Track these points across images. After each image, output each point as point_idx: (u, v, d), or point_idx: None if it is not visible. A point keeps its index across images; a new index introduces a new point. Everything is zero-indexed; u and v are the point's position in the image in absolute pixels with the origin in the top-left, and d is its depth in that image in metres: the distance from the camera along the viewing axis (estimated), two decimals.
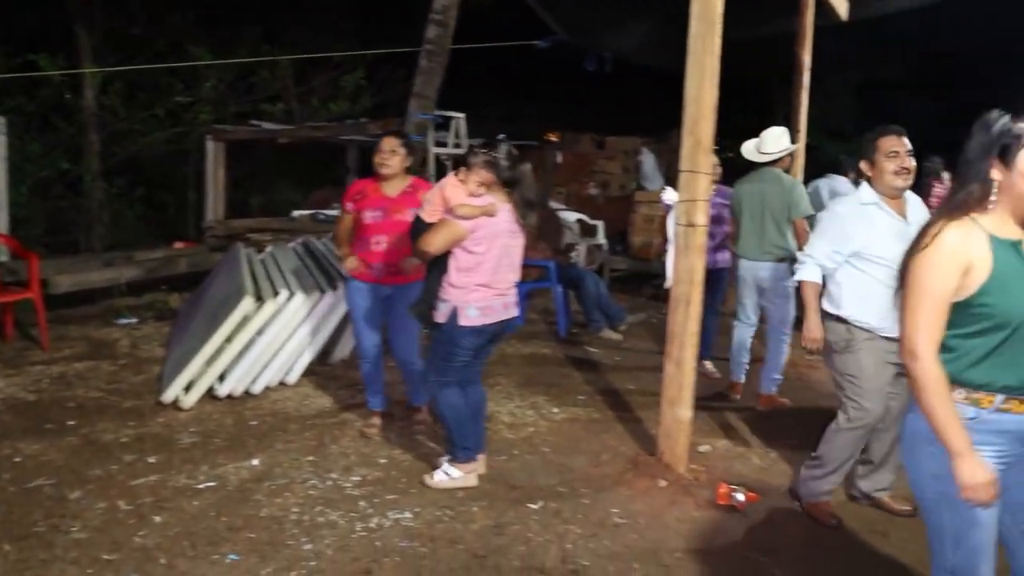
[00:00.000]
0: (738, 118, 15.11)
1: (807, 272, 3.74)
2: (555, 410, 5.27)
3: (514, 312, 4.00)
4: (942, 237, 2.06)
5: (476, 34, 10.46)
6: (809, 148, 6.99)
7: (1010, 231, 2.09)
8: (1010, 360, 2.07)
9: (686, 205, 4.00)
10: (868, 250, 3.57)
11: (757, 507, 3.91)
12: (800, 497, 3.91)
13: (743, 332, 5.68)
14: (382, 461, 4.33)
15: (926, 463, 2.17)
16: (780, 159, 5.60)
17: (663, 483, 4.12)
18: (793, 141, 6.24)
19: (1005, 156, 2.06)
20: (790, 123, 6.57)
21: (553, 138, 13.96)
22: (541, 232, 8.50)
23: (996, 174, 2.07)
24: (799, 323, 4.00)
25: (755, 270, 5.46)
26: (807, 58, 6.67)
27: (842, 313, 3.66)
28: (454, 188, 3.80)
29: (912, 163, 3.57)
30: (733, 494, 3.94)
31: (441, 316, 3.86)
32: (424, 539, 3.49)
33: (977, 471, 2.04)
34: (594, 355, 6.81)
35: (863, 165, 3.67)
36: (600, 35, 8.42)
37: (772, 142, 5.58)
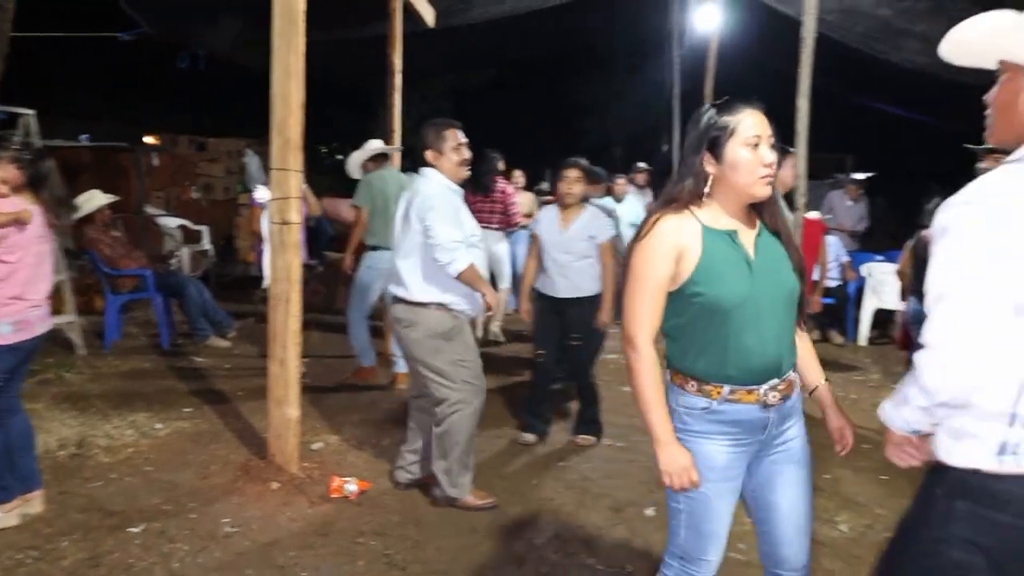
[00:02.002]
0: (345, 119, 15.39)
1: (465, 257, 3.63)
2: (158, 426, 4.95)
3: (48, 324, 3.67)
4: (657, 226, 2.06)
5: (50, 22, 9.46)
6: (413, 148, 7.32)
7: (726, 222, 2.10)
8: (729, 350, 2.05)
9: (279, 203, 3.98)
10: (471, 233, 3.74)
11: (369, 494, 4.04)
12: (454, 500, 3.86)
13: (365, 324, 5.95)
14: None
15: None
16: (391, 156, 6.24)
17: (275, 485, 4.07)
18: (389, 141, 6.59)
19: (714, 149, 2.05)
20: (385, 123, 6.84)
21: (151, 140, 13.10)
22: (137, 239, 7.94)
23: (710, 168, 2.07)
24: None
25: None
26: (398, 61, 6.95)
27: (444, 300, 3.73)
28: None
29: (470, 155, 3.90)
30: (345, 486, 4.02)
31: None
32: None
33: (676, 458, 2.06)
34: (201, 364, 6.51)
35: (430, 155, 3.81)
36: (188, 31, 8.02)
37: (375, 142, 6.17)
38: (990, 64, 1.65)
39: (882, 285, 7.71)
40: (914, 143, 13.98)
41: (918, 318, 3.76)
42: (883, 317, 7.98)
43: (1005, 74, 1.63)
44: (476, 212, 5.01)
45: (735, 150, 2.04)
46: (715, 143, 2.05)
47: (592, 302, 4.79)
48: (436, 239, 3.62)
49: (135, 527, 3.62)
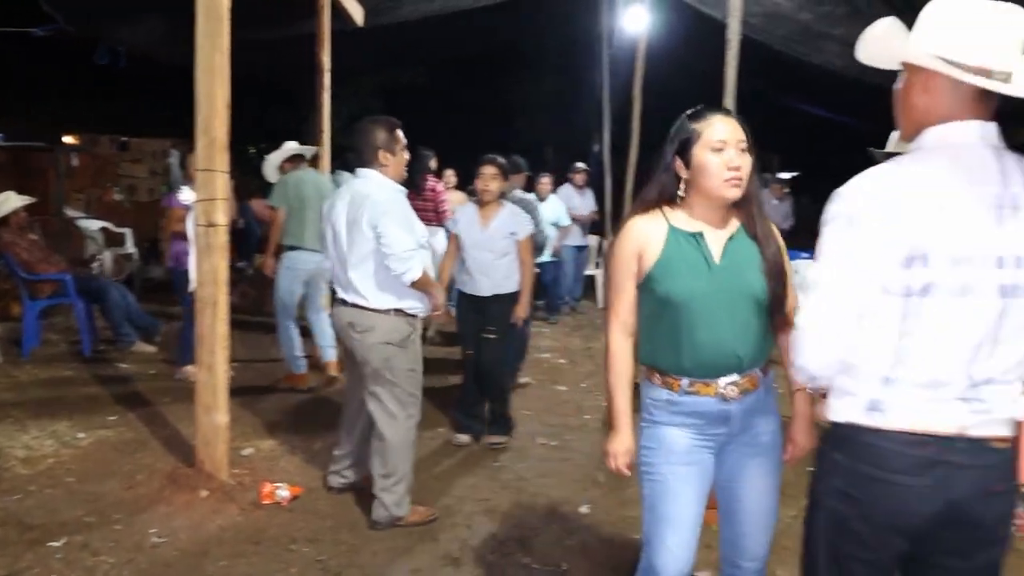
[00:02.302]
0: (273, 118, 15.11)
1: (419, 265, 3.55)
2: (80, 435, 4.79)
3: None
4: (625, 227, 2.22)
5: None
6: (343, 148, 7.22)
7: (695, 224, 2.19)
8: (684, 344, 2.14)
9: (205, 205, 3.89)
10: (421, 235, 3.69)
11: (301, 500, 3.98)
12: (397, 519, 3.70)
13: (294, 329, 5.89)
14: None
15: (637, 434, 2.29)
16: (318, 157, 6.39)
17: (204, 493, 3.98)
18: (318, 141, 6.55)
19: (683, 154, 2.15)
20: (314, 122, 6.76)
21: (70, 139, 12.68)
22: (56, 243, 7.68)
23: (682, 172, 2.17)
24: None
25: (321, 261, 5.62)
26: (326, 60, 6.87)
27: (402, 306, 3.64)
28: None
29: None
30: (276, 491, 3.96)
31: None
32: None
33: (617, 442, 2.27)
34: (126, 371, 6.33)
35: (384, 156, 3.64)
36: (107, 25, 7.73)
37: (291, 143, 6.20)
38: (896, 65, 1.74)
39: (807, 281, 7.92)
40: (837, 144, 14.33)
41: None
42: None
43: (904, 73, 1.72)
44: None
45: (701, 154, 2.13)
46: (684, 148, 2.16)
47: (513, 299, 4.81)
48: (390, 248, 3.49)
49: (56, 541, 3.50)
